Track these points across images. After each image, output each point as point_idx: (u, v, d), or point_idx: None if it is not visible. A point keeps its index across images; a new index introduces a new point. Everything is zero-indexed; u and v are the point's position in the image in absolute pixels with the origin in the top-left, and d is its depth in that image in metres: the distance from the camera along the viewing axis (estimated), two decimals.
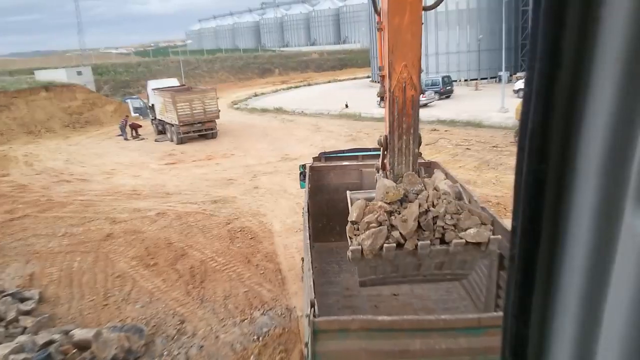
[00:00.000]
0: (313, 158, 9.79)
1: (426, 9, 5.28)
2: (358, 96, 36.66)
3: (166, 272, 10.36)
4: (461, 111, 27.62)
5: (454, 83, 36.10)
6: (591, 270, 0.76)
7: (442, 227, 4.65)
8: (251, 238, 12.01)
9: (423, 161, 9.08)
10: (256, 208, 14.30)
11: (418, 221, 4.62)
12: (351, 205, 5.16)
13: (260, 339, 7.84)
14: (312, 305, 4.09)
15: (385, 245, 4.58)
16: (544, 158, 0.78)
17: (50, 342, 7.26)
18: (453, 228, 4.66)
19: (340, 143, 22.21)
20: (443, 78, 34.70)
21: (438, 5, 5.77)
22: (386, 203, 4.76)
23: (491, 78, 41.55)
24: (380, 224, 4.65)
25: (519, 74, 39.23)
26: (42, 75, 42.60)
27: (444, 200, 4.71)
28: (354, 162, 9.40)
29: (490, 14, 41.27)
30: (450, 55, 42.61)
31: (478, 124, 24.93)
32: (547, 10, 0.72)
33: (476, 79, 41.04)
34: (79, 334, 7.55)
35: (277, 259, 10.73)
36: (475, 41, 40.84)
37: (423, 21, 5.07)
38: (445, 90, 34.02)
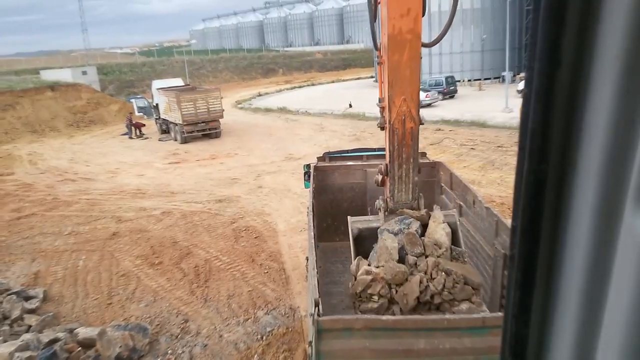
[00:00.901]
0: (317, 158, 9.80)
1: (425, 45, 5.49)
2: (362, 96, 36.58)
3: (171, 271, 10.40)
4: (465, 111, 27.56)
5: (457, 83, 36.00)
6: (591, 270, 0.76)
7: (440, 302, 4.88)
8: (256, 237, 12.03)
9: (428, 161, 9.07)
10: (261, 207, 14.32)
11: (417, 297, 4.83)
12: (351, 232, 5.54)
13: (264, 338, 7.86)
14: (317, 305, 4.11)
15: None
16: (544, 158, 0.78)
17: (55, 340, 7.32)
18: (449, 301, 4.88)
19: (344, 143, 22.20)
20: (446, 78, 34.61)
21: (437, 43, 5.98)
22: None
23: (495, 78, 41.34)
24: (381, 296, 4.87)
25: (522, 74, 38.97)
26: (48, 75, 42.87)
27: (442, 274, 4.89)
28: (358, 162, 9.39)
29: (494, 14, 41.07)
30: (453, 56, 42.42)
31: (482, 123, 24.84)
32: (547, 9, 0.72)
33: (479, 79, 40.88)
34: (84, 332, 7.60)
35: (281, 259, 10.75)
36: (479, 41, 40.70)
37: (422, 56, 5.30)
38: (448, 90, 33.94)
